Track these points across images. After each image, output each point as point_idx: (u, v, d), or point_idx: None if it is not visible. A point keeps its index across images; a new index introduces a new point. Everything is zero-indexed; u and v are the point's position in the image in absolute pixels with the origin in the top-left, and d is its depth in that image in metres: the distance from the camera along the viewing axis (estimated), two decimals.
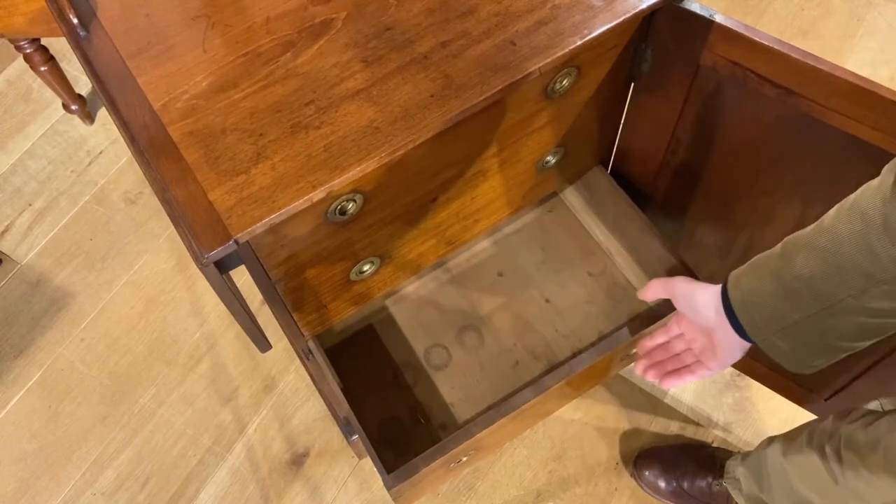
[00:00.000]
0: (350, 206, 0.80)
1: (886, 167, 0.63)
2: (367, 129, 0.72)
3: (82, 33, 0.79)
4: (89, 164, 1.61)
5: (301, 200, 0.68)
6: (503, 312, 1.12)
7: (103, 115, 1.66)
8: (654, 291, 0.85)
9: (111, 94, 0.75)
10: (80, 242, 1.51)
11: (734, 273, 0.74)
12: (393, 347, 1.10)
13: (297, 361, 1.37)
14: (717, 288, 0.75)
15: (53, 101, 1.67)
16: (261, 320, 1.31)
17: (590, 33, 0.77)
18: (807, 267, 0.66)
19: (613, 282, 1.13)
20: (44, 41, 1.44)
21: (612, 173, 1.14)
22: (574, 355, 1.05)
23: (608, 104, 0.99)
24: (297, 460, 1.29)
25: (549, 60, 0.75)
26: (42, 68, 1.47)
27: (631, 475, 1.24)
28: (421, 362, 1.08)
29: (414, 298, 1.13)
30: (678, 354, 0.83)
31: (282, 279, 0.84)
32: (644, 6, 0.78)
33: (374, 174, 0.78)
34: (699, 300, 0.77)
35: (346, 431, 1.00)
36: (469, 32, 0.77)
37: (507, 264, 1.15)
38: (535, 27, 0.77)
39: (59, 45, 1.63)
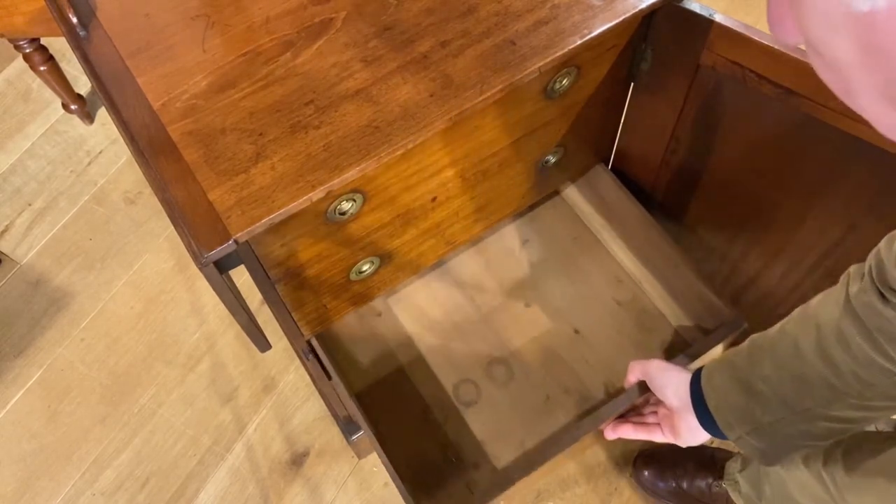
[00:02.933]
0: (349, 205, 0.80)
1: (843, 276, 0.64)
2: (366, 129, 0.72)
3: (82, 33, 0.79)
4: (89, 163, 1.60)
5: (300, 200, 0.68)
6: (531, 344, 1.08)
7: (103, 114, 1.66)
8: (632, 376, 0.90)
9: (111, 93, 0.75)
10: (80, 242, 1.51)
11: (707, 368, 0.76)
12: (421, 384, 1.07)
13: (297, 361, 1.37)
14: (687, 376, 0.78)
15: (53, 101, 1.67)
16: (261, 320, 1.31)
17: (589, 33, 0.77)
18: (773, 373, 0.67)
19: (643, 310, 1.09)
20: (43, 41, 1.44)
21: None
22: (606, 390, 1.03)
23: (608, 104, 0.99)
24: (297, 460, 1.29)
25: (548, 60, 0.75)
26: (41, 68, 1.46)
27: (630, 475, 1.24)
28: (450, 398, 1.05)
29: (439, 331, 1.10)
30: (642, 413, 0.89)
31: (281, 279, 0.84)
32: (644, 6, 0.78)
33: (373, 174, 0.78)
34: (670, 385, 0.81)
35: (347, 431, 1.00)
36: (469, 32, 0.77)
37: (533, 294, 1.12)
38: (535, 27, 0.77)
39: (59, 45, 1.63)
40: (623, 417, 0.91)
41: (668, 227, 1.10)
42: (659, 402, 0.87)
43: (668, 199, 1.09)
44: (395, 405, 1.05)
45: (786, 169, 0.87)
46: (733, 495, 1.10)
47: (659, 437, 0.84)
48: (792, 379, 0.65)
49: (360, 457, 1.26)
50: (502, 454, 1.01)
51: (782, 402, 0.67)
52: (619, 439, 0.93)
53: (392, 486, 1.26)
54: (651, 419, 0.88)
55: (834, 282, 0.90)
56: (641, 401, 0.92)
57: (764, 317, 1.04)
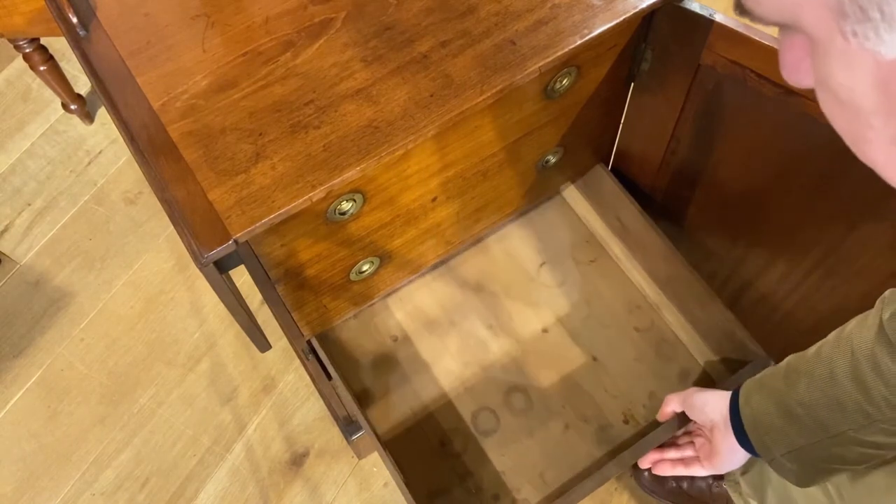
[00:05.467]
0: (349, 205, 0.79)
1: (879, 300, 0.64)
2: (366, 129, 0.72)
3: (82, 33, 0.78)
4: (89, 163, 1.60)
5: (300, 200, 0.68)
6: (550, 371, 1.07)
7: (103, 114, 1.66)
8: (670, 407, 0.89)
9: (110, 93, 0.75)
10: (80, 242, 1.51)
11: (745, 387, 0.75)
12: (439, 412, 1.05)
13: (297, 361, 1.37)
14: (726, 395, 0.78)
15: (53, 101, 1.67)
16: (260, 320, 1.31)
17: (589, 33, 0.76)
18: (808, 395, 0.67)
19: (662, 338, 1.08)
20: (43, 41, 1.44)
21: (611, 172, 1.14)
22: (625, 418, 1.02)
23: (608, 104, 0.99)
24: (297, 460, 1.29)
25: (548, 60, 0.75)
26: (41, 68, 1.46)
27: (630, 475, 1.24)
28: (469, 427, 1.04)
29: (457, 355, 1.08)
30: (679, 445, 0.87)
31: (281, 279, 0.84)
32: (644, 5, 0.78)
33: (373, 174, 0.78)
34: (709, 404, 0.80)
35: (347, 431, 1.00)
36: (469, 32, 0.77)
37: (551, 319, 1.10)
38: (535, 27, 0.77)
39: (59, 45, 1.63)
40: (659, 451, 0.89)
41: (667, 228, 1.10)
42: (696, 434, 0.86)
43: (667, 199, 1.09)
44: (412, 434, 1.04)
45: (786, 169, 0.87)
46: (734, 496, 1.10)
47: (698, 469, 0.83)
48: (827, 403, 0.65)
49: (360, 457, 1.26)
50: (522, 486, 1.00)
51: (818, 425, 0.67)
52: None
53: (392, 485, 1.26)
54: (689, 451, 0.86)
55: (834, 282, 0.90)
56: (681, 433, 0.90)
57: (763, 318, 1.04)
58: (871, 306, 0.65)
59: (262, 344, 0.95)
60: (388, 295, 1.12)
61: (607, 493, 1.23)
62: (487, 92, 0.73)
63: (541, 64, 0.75)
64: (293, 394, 1.34)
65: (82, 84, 1.68)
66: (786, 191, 0.89)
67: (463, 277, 1.14)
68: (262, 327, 0.99)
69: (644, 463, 0.90)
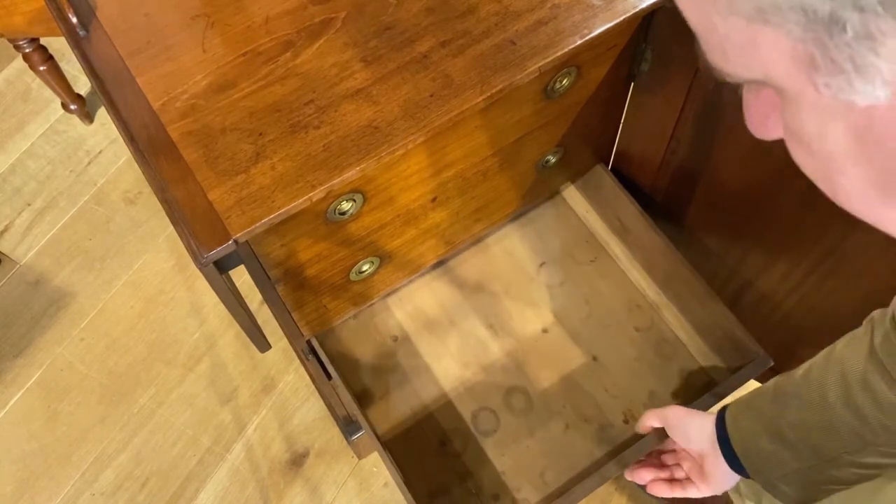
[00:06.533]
0: (349, 205, 0.79)
1: (867, 321, 0.63)
2: (366, 129, 0.72)
3: (81, 33, 0.78)
4: (88, 163, 1.60)
5: (300, 200, 0.68)
6: (550, 371, 1.07)
7: (102, 114, 1.66)
8: (649, 421, 0.88)
9: (110, 93, 0.75)
10: (80, 242, 1.51)
11: (731, 410, 0.75)
12: (439, 412, 1.05)
13: (297, 361, 1.37)
14: (710, 419, 0.77)
15: (52, 101, 1.67)
16: (260, 320, 1.30)
17: (590, 33, 0.76)
18: (800, 419, 0.66)
19: (662, 338, 1.08)
20: (43, 41, 1.44)
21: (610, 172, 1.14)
22: (625, 418, 1.03)
23: (608, 104, 0.99)
24: (297, 460, 1.29)
25: (548, 60, 0.75)
26: (41, 68, 1.46)
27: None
28: (469, 428, 1.04)
29: (457, 356, 1.08)
30: (669, 466, 0.86)
31: (281, 279, 0.84)
32: (644, 5, 0.78)
33: (373, 174, 0.78)
34: (693, 429, 0.79)
35: (347, 431, 1.00)
36: (469, 32, 0.77)
37: (551, 319, 1.10)
38: (535, 27, 0.77)
39: (59, 45, 1.63)
40: (644, 462, 0.89)
41: (667, 228, 1.10)
42: (682, 455, 0.85)
43: (667, 199, 1.09)
44: (411, 434, 1.03)
45: (786, 169, 0.87)
46: (733, 497, 1.10)
47: (695, 492, 0.82)
48: (820, 427, 0.65)
49: (360, 457, 1.26)
50: (522, 486, 1.00)
51: (811, 449, 0.66)
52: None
53: (392, 485, 1.26)
54: (680, 473, 0.85)
55: (835, 282, 0.90)
56: (667, 445, 0.90)
57: (763, 318, 1.04)
58: (872, 307, 0.65)
59: (262, 344, 0.95)
60: (388, 295, 1.12)
61: (607, 493, 1.23)
62: (487, 92, 0.73)
63: (541, 64, 0.75)
64: (293, 394, 1.34)
65: (82, 84, 1.68)
66: (786, 191, 0.89)
67: (463, 277, 1.14)
68: (262, 327, 0.99)
69: (636, 478, 0.89)
